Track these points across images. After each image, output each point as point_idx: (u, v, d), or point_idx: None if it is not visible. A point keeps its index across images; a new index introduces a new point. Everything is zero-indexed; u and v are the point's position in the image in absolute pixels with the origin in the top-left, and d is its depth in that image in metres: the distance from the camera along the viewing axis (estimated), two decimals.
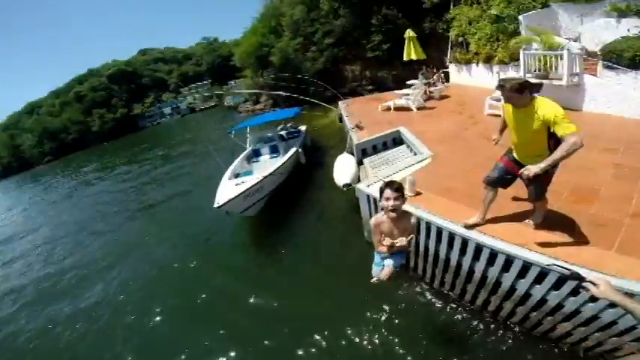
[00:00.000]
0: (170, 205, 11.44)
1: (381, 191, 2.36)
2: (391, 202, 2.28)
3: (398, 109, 9.65)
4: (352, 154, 7.89)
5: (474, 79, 12.02)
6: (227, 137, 10.64)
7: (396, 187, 2.33)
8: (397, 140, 7.97)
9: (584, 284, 1.31)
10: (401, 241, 2.40)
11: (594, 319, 2.99)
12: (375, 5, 17.87)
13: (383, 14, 17.68)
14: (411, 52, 11.51)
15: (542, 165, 2.43)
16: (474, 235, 3.61)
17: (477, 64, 11.68)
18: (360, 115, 9.85)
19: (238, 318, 5.15)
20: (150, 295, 6.27)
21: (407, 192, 4.92)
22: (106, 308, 6.20)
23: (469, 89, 11.84)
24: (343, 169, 6.99)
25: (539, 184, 2.88)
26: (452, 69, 13.50)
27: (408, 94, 9.70)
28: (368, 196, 5.41)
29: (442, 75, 12.43)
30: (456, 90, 12.04)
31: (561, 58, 7.63)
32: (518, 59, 8.85)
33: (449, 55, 13.62)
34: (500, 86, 2.68)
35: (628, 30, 8.20)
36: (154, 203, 12.04)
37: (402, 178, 4.98)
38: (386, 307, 4.59)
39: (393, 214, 2.35)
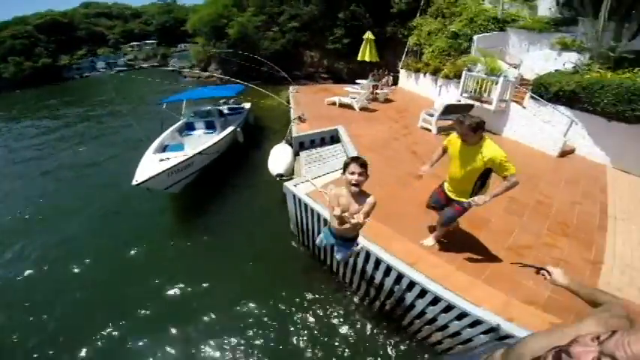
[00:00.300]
0: (82, 171, 9.78)
1: (346, 165, 2.39)
2: (355, 177, 2.31)
3: (342, 105, 9.51)
4: (291, 144, 7.57)
5: (419, 88, 12.53)
6: (159, 104, 9.47)
7: (362, 163, 2.36)
8: (335, 138, 7.82)
9: (542, 271, 1.64)
10: (357, 218, 2.31)
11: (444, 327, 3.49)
12: (345, 0, 17.74)
13: (351, 10, 17.63)
14: (366, 53, 11.63)
15: (488, 198, 2.81)
16: (375, 250, 3.79)
17: (425, 74, 12.12)
18: (305, 105, 9.53)
19: (148, 302, 4.72)
20: (53, 274, 5.44)
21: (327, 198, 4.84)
22: None
23: (413, 96, 12.38)
24: (279, 158, 6.77)
25: (455, 214, 3.33)
26: (402, 74, 13.89)
27: (354, 93, 9.60)
28: (294, 196, 5.17)
29: (390, 79, 12.69)
30: (400, 95, 12.49)
31: (496, 84, 8.06)
32: (460, 77, 9.21)
33: (402, 60, 13.93)
34: (460, 122, 2.76)
35: (564, 64, 8.99)
36: (62, 167, 10.25)
37: (325, 184, 4.89)
38: (300, 301, 4.61)
39: (355, 189, 2.37)
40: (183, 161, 6.78)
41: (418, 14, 14.87)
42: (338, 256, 3.13)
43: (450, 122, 8.53)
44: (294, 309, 4.46)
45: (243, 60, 15.32)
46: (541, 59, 9.69)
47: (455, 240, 3.99)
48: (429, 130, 7.83)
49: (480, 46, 10.85)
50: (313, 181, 5.34)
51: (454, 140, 3.02)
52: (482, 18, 12.00)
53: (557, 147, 7.25)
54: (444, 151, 3.30)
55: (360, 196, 2.45)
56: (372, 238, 3.93)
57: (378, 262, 3.82)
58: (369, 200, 2.42)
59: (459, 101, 8.56)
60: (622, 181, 6.42)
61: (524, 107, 8.20)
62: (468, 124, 2.70)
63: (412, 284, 3.49)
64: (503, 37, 11.43)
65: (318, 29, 19.36)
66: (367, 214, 2.39)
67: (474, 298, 3.17)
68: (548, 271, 1.62)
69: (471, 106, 8.17)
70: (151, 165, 6.59)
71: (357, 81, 11.30)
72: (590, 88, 7.05)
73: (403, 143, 7.11)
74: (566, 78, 7.70)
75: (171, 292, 4.85)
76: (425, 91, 12.01)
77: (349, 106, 9.46)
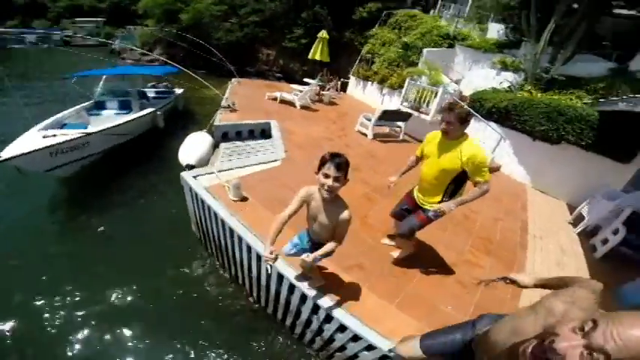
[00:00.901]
0: None
1: (322, 162, 1.86)
2: (330, 182, 1.83)
3: (283, 101, 8.90)
4: (213, 134, 6.75)
5: (366, 96, 12.39)
6: (67, 79, 8.09)
7: (339, 164, 1.82)
8: (266, 133, 7.12)
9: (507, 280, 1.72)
10: (309, 259, 2.03)
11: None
12: (310, 0, 17.41)
13: (314, 11, 17.33)
14: (317, 52, 11.21)
15: (453, 206, 2.46)
16: (280, 267, 3.09)
17: (373, 83, 12.02)
18: (243, 98, 8.75)
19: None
20: None
21: (230, 196, 4.08)
22: None
23: (358, 103, 12.13)
24: (193, 147, 5.90)
25: (417, 223, 2.90)
26: (352, 81, 13.71)
27: (298, 91, 9.05)
28: (191, 189, 4.33)
29: (339, 84, 12.44)
30: (347, 101, 12.25)
31: (435, 95, 7.95)
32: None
33: (354, 68, 13.77)
34: (448, 108, 2.37)
35: (500, 83, 9.24)
36: None
37: (228, 180, 4.17)
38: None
39: (327, 195, 1.92)
40: (74, 139, 5.71)
41: (378, 24, 14.96)
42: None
43: (386, 130, 8.29)
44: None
45: (192, 47, 14.21)
46: (481, 77, 9.91)
47: (373, 257, 3.48)
48: (365, 135, 7.47)
49: (427, 59, 10.95)
50: (219, 174, 4.57)
51: (433, 136, 2.71)
52: (435, 33, 12.29)
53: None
54: (418, 160, 3.00)
55: (331, 204, 2.02)
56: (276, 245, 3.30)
57: (280, 277, 3.15)
58: (342, 216, 1.99)
59: (399, 109, 8.34)
60: (539, 200, 6.49)
61: None
62: (458, 111, 2.33)
63: (317, 307, 2.89)
64: (451, 53, 11.69)
65: (278, 27, 18.76)
66: (326, 254, 2.08)
67: (384, 327, 2.63)
68: (511, 279, 1.68)
69: (409, 115, 7.97)
70: (28, 140, 5.44)
71: (305, 80, 10.79)
72: (520, 107, 7.13)
73: (336, 144, 6.64)
74: (500, 96, 7.80)
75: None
76: (370, 100, 11.86)
77: (291, 103, 8.86)
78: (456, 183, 2.55)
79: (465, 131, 2.45)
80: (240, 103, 7.96)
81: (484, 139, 7.66)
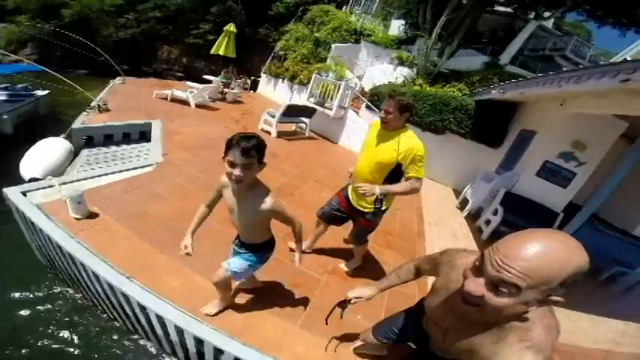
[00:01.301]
0: None
1: (227, 147, 1.39)
2: (237, 172, 1.39)
3: (176, 100, 7.99)
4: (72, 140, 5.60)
5: (276, 94, 12.04)
6: None
7: (246, 148, 1.36)
8: (147, 135, 6.17)
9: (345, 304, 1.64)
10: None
11: None
12: None
13: (227, 6, 16.29)
14: (222, 46, 10.39)
15: (378, 190, 2.14)
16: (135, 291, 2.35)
17: (284, 80, 11.68)
18: (124, 97, 7.59)
19: None
20: None
21: (71, 213, 3.19)
22: None
23: (267, 101, 11.63)
24: (40, 155, 4.66)
25: (363, 229, 2.67)
26: (263, 79, 13.25)
27: (194, 88, 8.22)
28: (17, 209, 3.31)
29: (247, 81, 11.89)
30: (256, 100, 11.74)
31: (338, 89, 7.92)
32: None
33: (266, 65, 13.34)
34: (389, 96, 2.16)
35: (396, 78, 9.66)
36: None
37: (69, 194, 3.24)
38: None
39: (238, 185, 1.47)
40: None
41: (294, 20, 14.77)
42: (237, 276, 1.95)
43: (292, 127, 8.02)
44: None
45: (73, 45, 12.16)
46: (381, 72, 10.30)
47: (270, 269, 2.82)
48: (269, 133, 7.06)
49: (335, 55, 11.05)
50: (64, 187, 3.64)
51: (373, 125, 2.43)
52: (345, 28, 12.47)
53: None
54: None
55: (248, 194, 1.60)
56: (138, 269, 2.52)
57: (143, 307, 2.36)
58: (262, 207, 1.56)
59: (306, 105, 8.13)
60: (430, 188, 6.84)
61: (359, 116, 8.31)
62: (398, 99, 2.09)
63: (201, 342, 2.19)
64: (357, 48, 11.98)
65: (183, 22, 17.30)
66: (293, 222, 1.78)
67: (289, 354, 2.14)
68: (349, 300, 1.56)
69: (314, 110, 7.81)
70: None
71: (207, 77, 9.94)
72: (413, 99, 7.46)
73: None
74: (396, 89, 8.10)
75: None
76: (281, 98, 11.52)
77: (185, 103, 8.00)
78: (389, 180, 2.29)
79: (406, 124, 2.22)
80: (119, 103, 6.85)
81: None
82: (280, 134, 7.31)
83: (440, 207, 6.01)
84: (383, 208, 2.37)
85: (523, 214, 5.07)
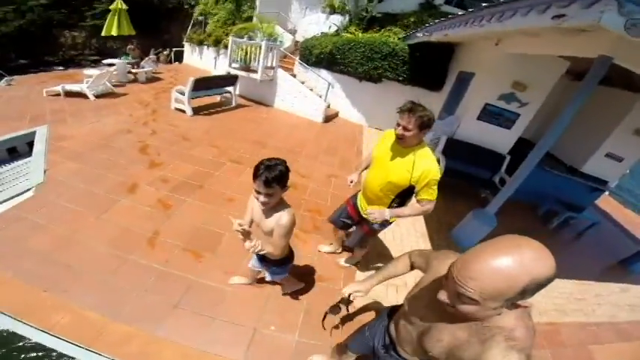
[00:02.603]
0: None
1: (254, 175, 1.50)
2: (262, 199, 1.54)
3: (72, 94, 6.67)
4: None
5: (203, 62, 10.89)
6: None
7: (268, 180, 1.47)
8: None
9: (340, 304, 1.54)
10: (256, 247, 1.58)
11: None
12: None
13: None
14: (113, 26, 8.84)
15: (388, 214, 2.00)
16: None
17: (208, 47, 10.40)
18: (8, 103, 6.17)
19: None
20: None
21: None
22: None
23: (194, 72, 10.31)
24: None
25: (365, 235, 2.49)
26: (187, 49, 11.82)
27: (90, 77, 6.85)
28: None
29: (164, 53, 10.44)
30: (182, 72, 10.41)
31: (260, 51, 6.97)
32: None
33: (187, 33, 11.78)
34: (408, 110, 1.77)
35: (329, 27, 8.75)
36: None
37: None
38: None
39: (262, 206, 1.62)
40: None
41: None
42: (271, 277, 2.14)
43: (217, 98, 7.10)
44: None
45: None
46: (314, 23, 9.37)
47: (166, 286, 2.41)
48: (183, 112, 6.15)
49: (260, 12, 9.84)
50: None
51: (387, 135, 2.13)
52: None
53: (320, 113, 6.81)
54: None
55: (272, 212, 1.67)
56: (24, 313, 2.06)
57: None
58: (281, 221, 1.63)
59: (229, 73, 7.16)
60: (375, 140, 6.45)
61: (294, 75, 7.51)
62: (419, 115, 1.76)
63: None
64: (287, 1, 10.76)
65: (78, 4, 14.66)
66: (277, 247, 1.70)
67: None
68: (347, 299, 1.51)
69: (235, 77, 6.90)
70: None
71: (105, 61, 8.44)
72: (343, 49, 6.75)
73: (135, 136, 5.06)
74: (326, 40, 7.30)
75: None
76: (209, 65, 10.37)
77: (83, 95, 6.71)
78: (401, 198, 2.11)
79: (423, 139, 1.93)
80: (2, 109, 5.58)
81: (319, 88, 7.28)
82: (201, 109, 6.47)
83: None
84: (390, 221, 2.18)
85: (468, 160, 4.85)
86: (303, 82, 7.56)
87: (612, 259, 4.75)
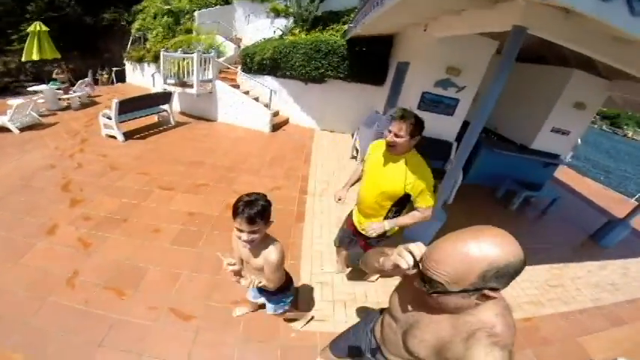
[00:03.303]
0: None
1: (234, 213, 1.43)
2: (245, 237, 1.45)
3: None
4: None
5: (146, 80, 10.16)
6: None
7: (250, 216, 1.40)
8: None
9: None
10: (252, 283, 1.59)
11: None
12: None
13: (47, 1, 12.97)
14: (33, 50, 8.09)
15: (387, 225, 1.97)
16: None
17: (148, 63, 9.84)
18: None
19: None
20: None
21: None
22: None
23: (136, 91, 9.67)
24: None
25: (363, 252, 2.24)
26: (128, 67, 11.17)
27: (12, 107, 6.14)
28: None
29: (105, 74, 9.83)
30: (122, 92, 9.69)
31: (193, 64, 6.55)
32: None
33: (127, 51, 11.15)
34: (400, 117, 1.78)
35: (274, 31, 8.47)
36: None
37: None
38: None
39: (246, 247, 1.54)
40: None
41: None
42: (275, 310, 2.03)
43: (154, 118, 6.58)
44: None
45: None
46: (258, 29, 9.06)
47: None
48: (114, 137, 5.60)
49: (200, 23, 9.45)
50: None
51: (376, 146, 2.08)
52: None
53: (266, 122, 6.46)
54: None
55: (258, 249, 1.61)
56: None
57: None
58: (270, 258, 1.57)
59: (165, 89, 6.66)
60: (326, 144, 6.20)
61: (237, 85, 7.15)
62: (411, 122, 1.74)
63: None
64: (230, 10, 10.44)
65: (2, 26, 13.64)
66: (271, 281, 1.65)
67: None
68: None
69: (169, 93, 6.41)
70: None
71: (32, 88, 7.68)
72: (284, 52, 6.45)
73: (59, 172, 4.47)
74: (267, 45, 6.97)
75: None
76: (151, 83, 9.75)
77: (6, 129, 5.99)
78: (397, 207, 2.04)
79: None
80: None
81: (264, 96, 6.95)
82: (135, 132, 5.91)
83: (334, 163, 5.41)
84: (388, 235, 2.14)
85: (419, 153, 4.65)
86: (247, 92, 7.20)
87: (582, 235, 4.70)
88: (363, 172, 2.16)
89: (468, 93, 4.56)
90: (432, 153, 4.71)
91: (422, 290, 0.85)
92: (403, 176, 1.86)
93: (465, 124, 4.99)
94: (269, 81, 6.87)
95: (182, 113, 7.34)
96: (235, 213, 1.41)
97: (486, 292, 0.77)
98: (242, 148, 5.65)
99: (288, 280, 1.94)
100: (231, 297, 2.47)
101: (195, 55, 6.30)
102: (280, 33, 8.19)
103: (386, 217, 2.07)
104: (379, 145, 2.03)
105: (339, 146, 6.13)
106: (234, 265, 1.50)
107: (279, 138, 6.33)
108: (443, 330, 0.89)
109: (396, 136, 1.80)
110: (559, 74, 4.81)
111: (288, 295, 1.99)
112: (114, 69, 11.11)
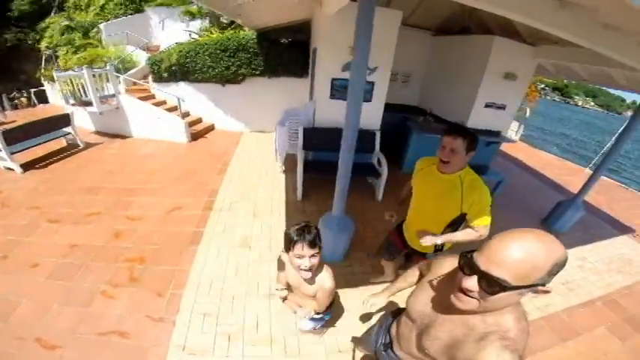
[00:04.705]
0: None
1: (291, 243, 1.46)
2: (307, 263, 1.47)
3: None
4: None
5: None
6: None
7: (312, 240, 1.45)
8: None
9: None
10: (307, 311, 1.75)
11: None
12: None
13: None
14: None
15: (439, 240, 1.81)
16: None
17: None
18: None
19: None
20: None
21: None
22: None
23: (61, 111, 8.80)
24: None
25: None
26: (47, 88, 10.12)
27: None
28: None
29: (23, 98, 8.96)
30: (40, 115, 8.66)
31: (108, 80, 5.75)
32: None
33: (41, 71, 10.14)
34: (455, 131, 1.63)
35: (190, 34, 7.78)
36: None
37: None
38: None
39: (307, 274, 1.55)
40: None
41: (53, 12, 11.51)
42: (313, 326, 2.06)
43: (63, 142, 5.70)
44: None
45: None
46: (174, 34, 8.34)
47: None
48: (12, 169, 4.79)
49: (107, 36, 8.67)
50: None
51: (424, 164, 1.94)
52: (115, 2, 9.87)
53: (182, 132, 5.73)
54: (411, 189, 2.06)
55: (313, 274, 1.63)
56: None
57: None
58: (325, 285, 1.62)
59: (71, 112, 5.79)
60: (252, 148, 5.62)
61: (152, 96, 6.39)
62: (464, 135, 1.61)
63: None
64: (143, 18, 9.63)
65: None
66: (322, 305, 1.72)
67: None
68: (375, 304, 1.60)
69: (66, 116, 5.56)
70: None
71: None
72: (190, 55, 5.75)
73: None
74: (173, 50, 6.23)
75: None
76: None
77: None
78: (453, 225, 1.84)
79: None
80: None
81: (182, 106, 6.24)
82: (39, 160, 5.16)
83: (254, 168, 4.90)
84: (445, 248, 1.99)
85: (337, 149, 4.07)
86: (164, 102, 6.46)
87: (533, 220, 4.30)
88: (414, 193, 2.02)
89: (384, 74, 4.08)
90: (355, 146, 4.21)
91: (479, 291, 0.83)
92: (459, 198, 1.71)
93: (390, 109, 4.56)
94: (183, 87, 6.18)
95: (97, 133, 6.52)
96: (293, 241, 1.43)
97: (541, 287, 0.78)
98: (150, 166, 4.95)
99: (332, 300, 1.94)
100: (99, 328, 2.27)
101: (85, 72, 5.50)
102: (196, 36, 7.53)
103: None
104: (426, 164, 1.92)
105: (266, 148, 5.55)
106: (283, 290, 1.61)
107: (197, 148, 5.64)
108: (457, 329, 0.90)
109: (453, 151, 1.64)
110: (481, 43, 4.41)
111: (329, 312, 1.99)
112: (32, 90, 10.05)
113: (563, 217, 4.00)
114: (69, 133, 5.74)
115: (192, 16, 8.37)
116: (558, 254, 0.75)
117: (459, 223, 1.88)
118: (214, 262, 2.92)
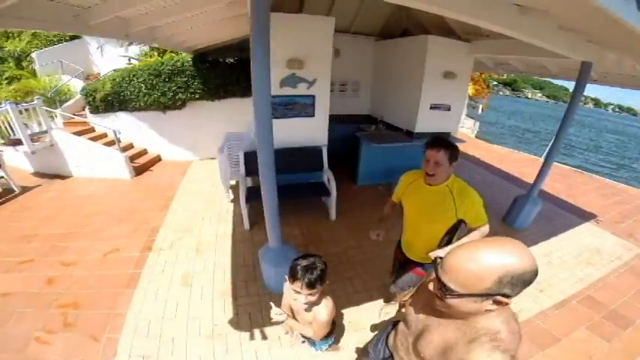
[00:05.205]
0: None
1: (293, 276, 1.48)
2: (302, 299, 1.50)
3: None
4: None
5: None
6: None
7: (311, 282, 1.45)
8: None
9: None
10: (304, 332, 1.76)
11: None
12: None
13: None
14: None
15: (442, 253, 1.37)
16: None
17: None
18: None
19: None
20: None
21: None
22: None
23: None
24: None
25: (414, 278, 2.10)
26: None
27: None
28: None
29: None
30: None
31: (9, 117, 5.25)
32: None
33: None
34: (437, 144, 1.68)
35: (129, 60, 7.40)
36: None
37: None
38: None
39: (303, 305, 1.58)
40: None
41: None
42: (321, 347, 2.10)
43: None
44: None
45: None
46: (115, 60, 7.89)
47: None
48: None
49: (41, 65, 8.10)
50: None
51: (409, 179, 1.94)
52: None
53: (123, 168, 5.34)
54: (394, 206, 2.13)
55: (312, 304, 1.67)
56: None
57: None
58: (319, 317, 1.60)
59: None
60: (198, 178, 5.32)
61: (92, 129, 5.95)
62: (445, 147, 1.67)
63: None
64: (81, 45, 9.08)
65: None
66: (318, 335, 1.71)
67: None
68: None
69: None
70: None
71: None
72: (123, 84, 5.40)
73: None
74: (110, 78, 5.85)
75: None
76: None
77: None
78: (450, 233, 1.85)
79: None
80: None
81: (125, 138, 5.85)
82: None
83: (201, 199, 4.62)
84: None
85: (289, 168, 3.82)
86: (105, 135, 6.03)
87: (494, 219, 4.15)
88: (404, 210, 2.00)
89: (323, 86, 3.90)
90: (301, 165, 4.02)
91: (435, 295, 0.89)
92: (452, 204, 1.74)
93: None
94: (123, 117, 5.80)
95: (36, 174, 5.98)
96: (294, 278, 1.46)
97: (499, 298, 0.77)
98: (90, 208, 4.56)
99: (333, 328, 1.97)
100: None
101: (8, 107, 5.02)
102: (135, 61, 7.17)
103: (439, 246, 1.89)
104: (412, 178, 1.93)
105: (215, 177, 5.24)
106: (281, 315, 1.60)
107: (141, 183, 5.27)
108: (450, 332, 0.91)
109: (437, 164, 1.69)
110: (417, 44, 4.36)
111: (329, 339, 2.02)
112: None
113: (522, 212, 3.93)
114: (1, 177, 5.23)
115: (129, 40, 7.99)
116: (508, 265, 0.74)
117: (455, 229, 1.89)
118: (153, 303, 2.71)
